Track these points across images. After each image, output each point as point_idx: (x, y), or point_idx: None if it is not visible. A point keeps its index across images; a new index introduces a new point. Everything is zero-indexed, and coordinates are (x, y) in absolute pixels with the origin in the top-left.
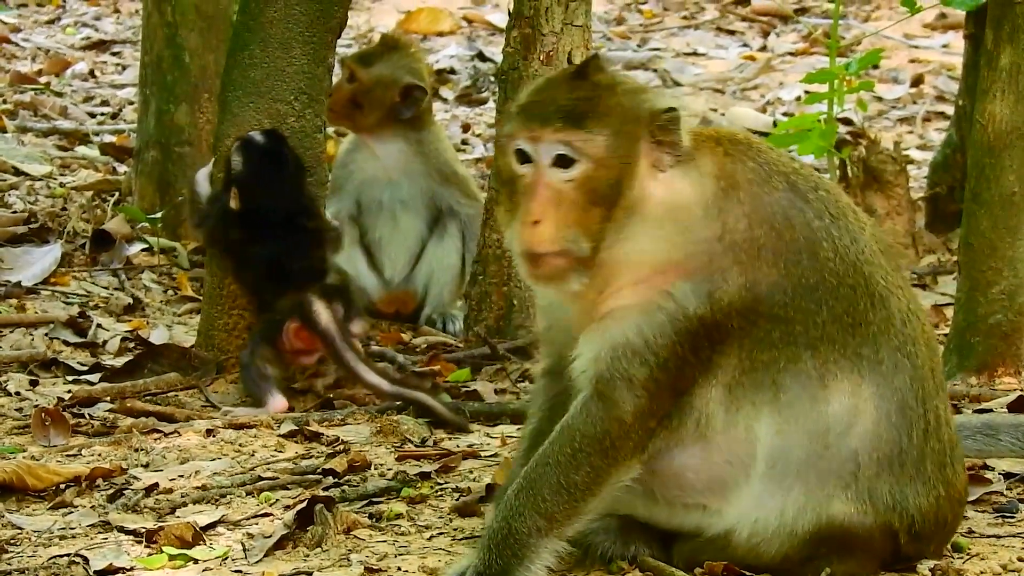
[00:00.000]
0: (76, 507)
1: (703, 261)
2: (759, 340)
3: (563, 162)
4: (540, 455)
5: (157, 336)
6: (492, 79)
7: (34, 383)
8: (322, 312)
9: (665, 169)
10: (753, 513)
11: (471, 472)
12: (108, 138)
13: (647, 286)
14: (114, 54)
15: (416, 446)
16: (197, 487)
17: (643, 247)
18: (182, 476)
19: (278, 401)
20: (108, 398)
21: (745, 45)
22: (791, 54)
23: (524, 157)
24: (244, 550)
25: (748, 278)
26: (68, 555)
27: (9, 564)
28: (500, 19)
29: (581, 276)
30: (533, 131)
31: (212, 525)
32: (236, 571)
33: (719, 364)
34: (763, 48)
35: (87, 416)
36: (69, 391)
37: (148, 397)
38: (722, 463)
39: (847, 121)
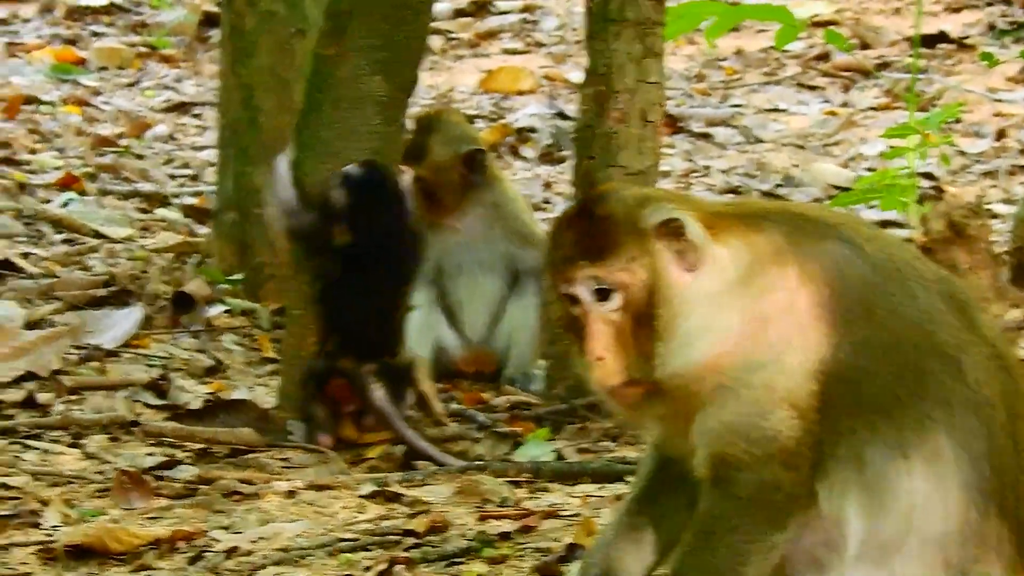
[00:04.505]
0: (157, 570)
1: (762, 336)
2: (836, 408)
3: (602, 296)
4: (680, 551)
5: (238, 397)
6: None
7: (115, 446)
8: (377, 391)
9: (692, 270)
10: None
11: (552, 532)
12: (189, 200)
13: (716, 377)
14: (195, 116)
15: (497, 506)
16: (278, 549)
17: (699, 348)
18: (263, 538)
19: (324, 439)
20: (176, 439)
21: (826, 100)
22: (873, 109)
23: (572, 299)
24: None
25: (810, 340)
26: None
27: None
28: (580, 77)
29: (660, 397)
30: (566, 275)
31: None
32: None
33: (811, 434)
34: (844, 103)
35: (168, 479)
36: (151, 453)
37: (228, 459)
38: (818, 543)
39: (929, 176)
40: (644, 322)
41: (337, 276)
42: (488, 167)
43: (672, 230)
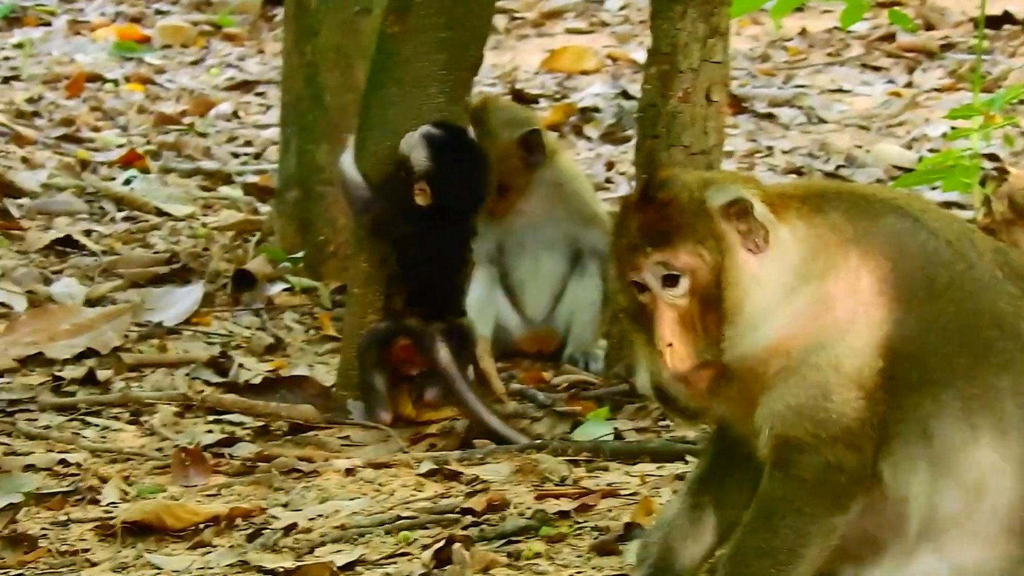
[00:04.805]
0: (215, 547)
1: (827, 317)
2: (901, 384)
3: (670, 281)
4: (740, 531)
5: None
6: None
7: (175, 423)
8: (442, 350)
9: (759, 251)
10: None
11: (610, 511)
12: (251, 178)
13: (783, 359)
14: (258, 94)
15: (555, 485)
16: (336, 527)
17: (766, 330)
18: (321, 515)
19: (383, 415)
20: (236, 412)
21: (891, 81)
22: (937, 90)
23: (640, 287)
24: None
25: (874, 318)
26: None
27: None
28: (644, 57)
29: (727, 380)
30: (633, 262)
31: (350, 565)
32: None
33: (875, 414)
34: (909, 84)
35: (227, 456)
36: (210, 431)
37: (287, 437)
38: (879, 522)
39: (993, 157)
40: (711, 305)
41: (418, 237)
42: (546, 146)
43: (738, 211)
